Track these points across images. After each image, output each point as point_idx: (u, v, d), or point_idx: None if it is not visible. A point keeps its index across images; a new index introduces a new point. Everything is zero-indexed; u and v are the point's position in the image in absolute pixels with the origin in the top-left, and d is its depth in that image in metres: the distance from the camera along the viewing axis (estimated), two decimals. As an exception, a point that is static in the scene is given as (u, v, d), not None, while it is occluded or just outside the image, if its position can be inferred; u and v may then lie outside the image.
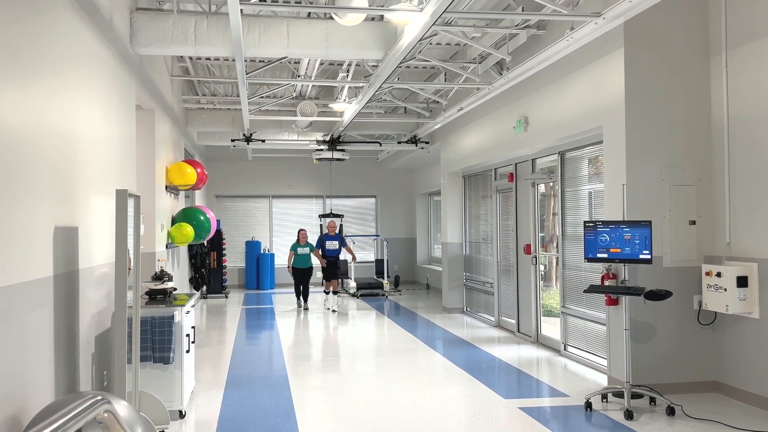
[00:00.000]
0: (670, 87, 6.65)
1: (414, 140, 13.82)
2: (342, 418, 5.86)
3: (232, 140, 13.29)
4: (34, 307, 3.94)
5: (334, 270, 13.83)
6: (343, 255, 14.59)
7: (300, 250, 13.71)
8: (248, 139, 13.16)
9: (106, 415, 1.98)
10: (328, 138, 13.67)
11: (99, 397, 2.00)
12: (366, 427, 5.60)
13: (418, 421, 5.73)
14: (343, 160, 14.14)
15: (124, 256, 4.55)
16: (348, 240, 15.92)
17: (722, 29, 6.46)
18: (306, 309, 13.54)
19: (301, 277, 13.78)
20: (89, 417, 1.77)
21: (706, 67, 6.70)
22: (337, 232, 13.82)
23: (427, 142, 13.82)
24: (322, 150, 13.83)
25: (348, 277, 16.62)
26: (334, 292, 13.76)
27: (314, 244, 13.87)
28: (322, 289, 14.04)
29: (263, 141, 13.43)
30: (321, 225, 14.63)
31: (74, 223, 4.77)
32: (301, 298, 13.83)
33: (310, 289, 14.99)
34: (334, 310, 13.22)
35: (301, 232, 13.87)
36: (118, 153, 6.23)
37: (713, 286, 6.21)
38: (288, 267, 13.77)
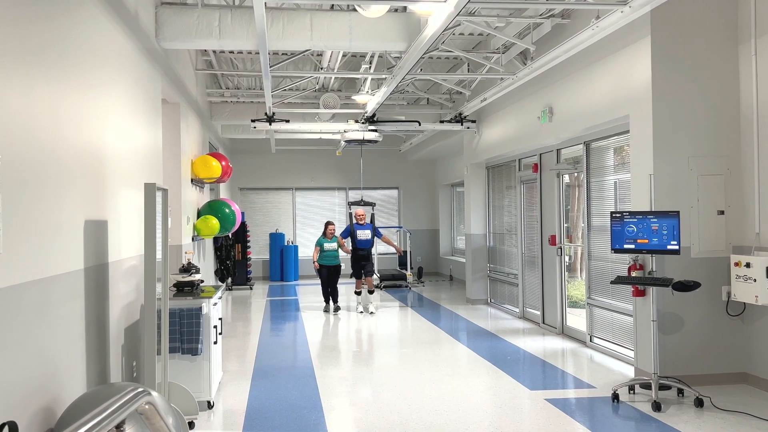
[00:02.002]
0: (697, 75, 6.55)
1: (459, 119, 12.00)
2: (368, 409, 5.90)
3: (253, 120, 11.72)
4: (66, 300, 4.01)
5: (367, 265, 12.00)
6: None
7: (327, 246, 12.03)
8: (270, 120, 11.55)
9: (147, 406, 2.02)
10: (361, 119, 11.92)
11: (140, 389, 2.04)
12: (392, 417, 5.63)
13: (444, 412, 5.74)
14: (375, 142, 12.25)
15: (153, 249, 4.60)
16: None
17: (751, 16, 6.34)
18: (338, 308, 12.08)
19: (328, 276, 12.11)
20: (132, 408, 1.81)
21: (734, 54, 6.59)
22: (368, 221, 12.17)
23: (473, 121, 12.04)
24: (351, 131, 12.01)
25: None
26: (369, 291, 11.95)
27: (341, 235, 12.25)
28: (354, 289, 12.38)
29: (287, 121, 11.82)
30: (350, 213, 12.61)
31: (104, 217, 4.84)
32: (330, 301, 12.22)
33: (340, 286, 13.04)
34: (371, 312, 11.61)
35: (329, 226, 12.09)
36: (145, 147, 6.30)
37: (742, 277, 6.13)
38: (314, 263, 12.14)
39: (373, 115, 11.64)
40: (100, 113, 4.75)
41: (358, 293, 12.08)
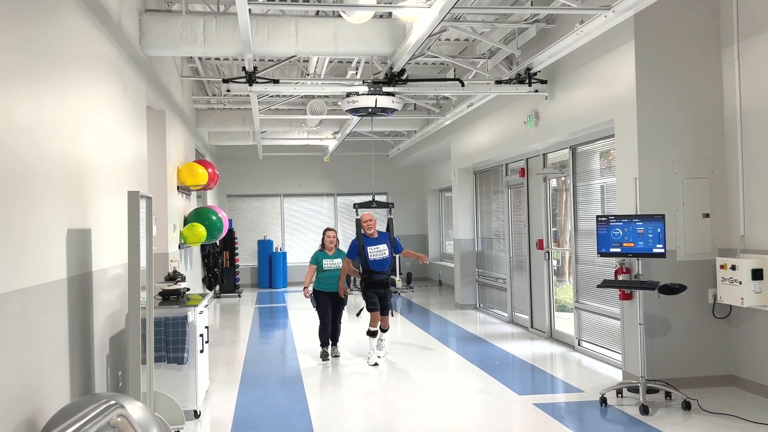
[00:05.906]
0: (681, 79, 6.59)
1: (526, 77, 8.27)
2: (356, 416, 5.87)
3: (225, 81, 8.16)
4: (49, 310, 3.96)
5: (386, 293, 8.25)
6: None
7: (327, 263, 8.32)
8: (251, 79, 8.00)
9: (119, 419, 1.99)
10: (383, 76, 8.06)
11: (112, 402, 2.01)
12: (380, 424, 5.60)
13: (433, 418, 5.72)
14: (392, 111, 8.18)
15: (137, 258, 4.56)
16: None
17: (734, 20, 6.39)
18: (336, 356, 8.45)
19: (327, 307, 8.39)
20: (103, 422, 1.78)
21: (717, 58, 6.63)
22: (383, 230, 8.55)
23: (544, 81, 8.38)
24: (358, 96, 8.08)
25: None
26: (383, 330, 8.26)
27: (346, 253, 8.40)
28: (367, 327, 8.30)
29: (276, 82, 8.23)
30: (357, 220, 8.47)
31: (87, 226, 4.79)
32: (329, 342, 8.49)
33: (342, 325, 8.75)
34: (379, 357, 8.24)
35: (328, 234, 8.51)
36: (130, 154, 6.25)
37: (728, 279, 6.16)
38: (305, 289, 8.31)
39: (402, 71, 7.84)
40: (82, 121, 4.71)
41: (372, 334, 8.15)
